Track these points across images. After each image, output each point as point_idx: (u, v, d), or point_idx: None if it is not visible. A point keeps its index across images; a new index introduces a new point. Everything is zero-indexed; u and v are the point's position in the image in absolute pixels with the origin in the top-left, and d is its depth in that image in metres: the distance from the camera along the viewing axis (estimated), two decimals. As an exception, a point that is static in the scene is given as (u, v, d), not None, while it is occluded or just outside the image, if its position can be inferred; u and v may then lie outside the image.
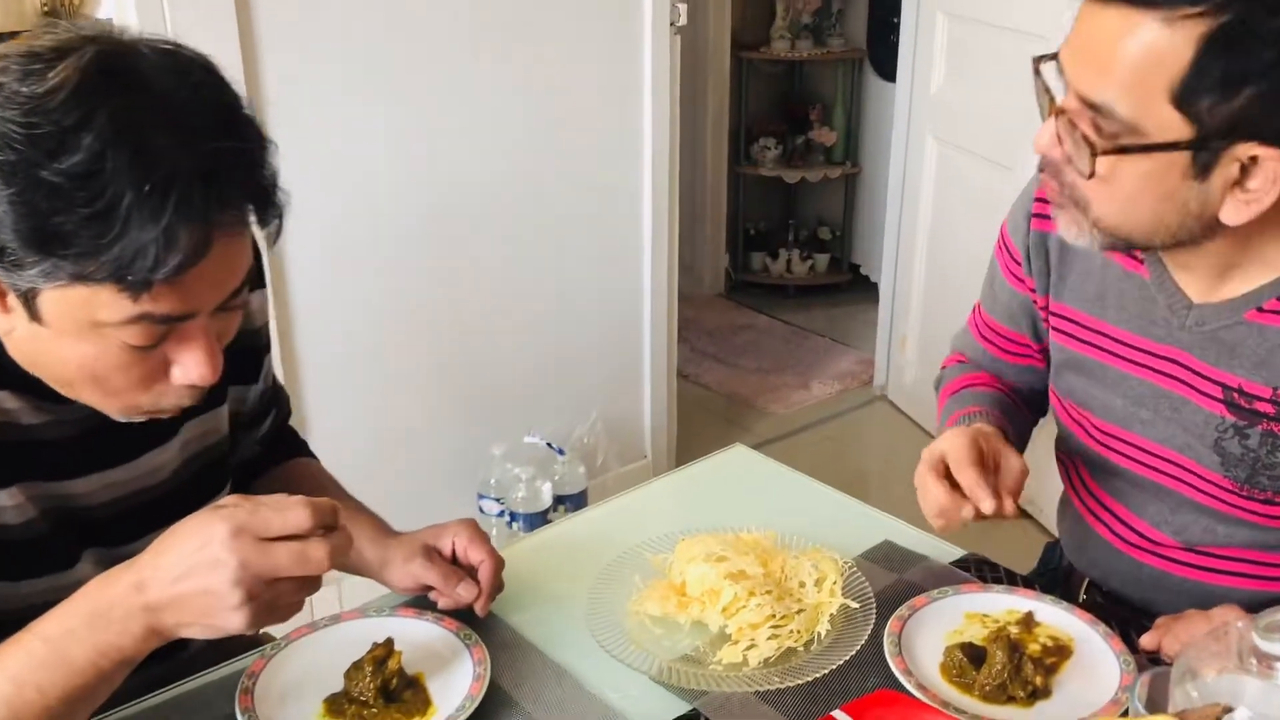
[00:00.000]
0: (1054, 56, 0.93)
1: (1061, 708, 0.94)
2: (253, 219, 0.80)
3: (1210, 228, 0.92)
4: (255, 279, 1.05)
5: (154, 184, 0.71)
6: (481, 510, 2.38)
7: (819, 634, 1.02)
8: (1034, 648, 1.00)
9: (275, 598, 0.78)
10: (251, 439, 1.15)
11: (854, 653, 0.99)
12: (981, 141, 2.79)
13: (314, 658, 1.01)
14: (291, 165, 2.24)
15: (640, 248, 2.60)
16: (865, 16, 4.00)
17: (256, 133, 0.80)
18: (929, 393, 3.50)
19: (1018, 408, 1.22)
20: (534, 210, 2.38)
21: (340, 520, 0.81)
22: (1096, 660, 0.99)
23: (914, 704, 0.93)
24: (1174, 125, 0.85)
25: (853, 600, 1.05)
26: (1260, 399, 0.98)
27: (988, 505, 0.97)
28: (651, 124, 2.50)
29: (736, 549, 1.08)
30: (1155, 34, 0.83)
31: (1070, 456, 1.20)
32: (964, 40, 2.86)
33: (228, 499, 0.80)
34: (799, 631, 1.02)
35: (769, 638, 1.00)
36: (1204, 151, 0.86)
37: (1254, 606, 1.02)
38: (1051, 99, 0.94)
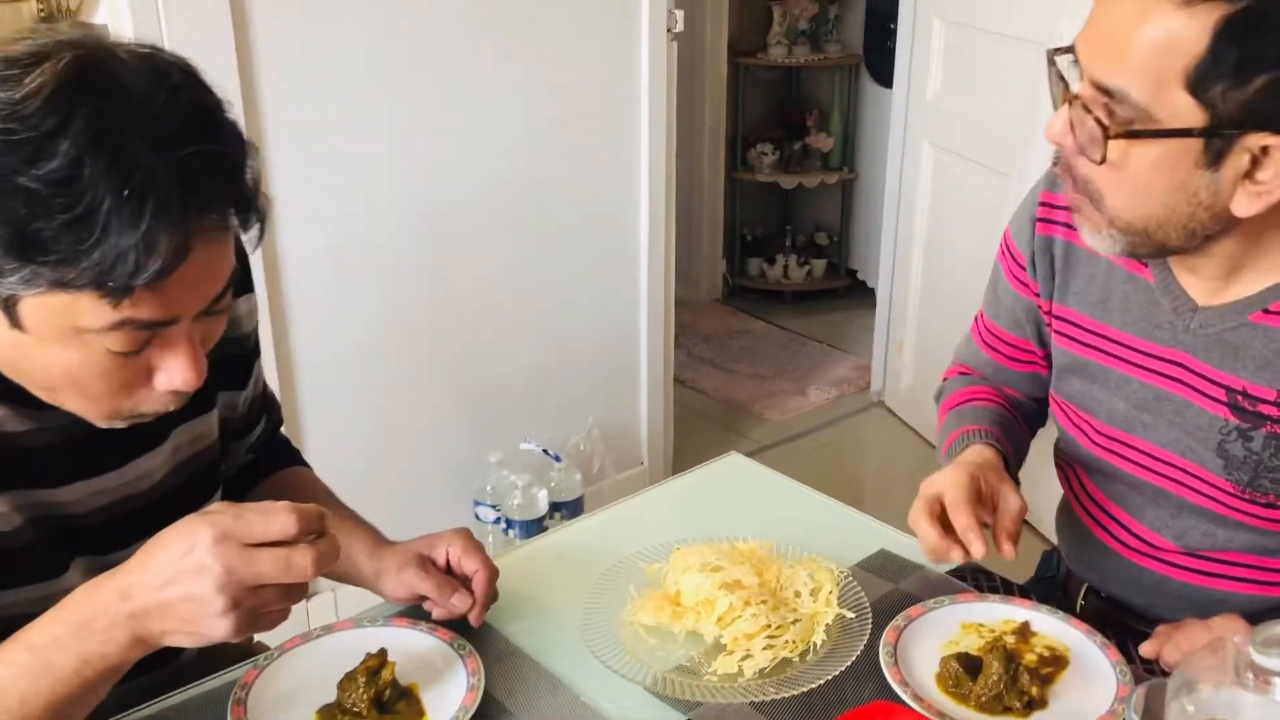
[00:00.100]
0: (1070, 49, 0.93)
1: (1058, 719, 0.93)
2: (234, 223, 0.79)
3: (1221, 221, 0.92)
4: (243, 284, 1.05)
5: (132, 189, 0.71)
6: (478, 517, 2.38)
7: (815, 644, 1.02)
8: (1030, 658, 1.00)
9: (260, 605, 0.78)
10: (243, 446, 1.15)
11: (850, 663, 0.99)
12: (978, 148, 2.79)
13: (307, 668, 1.00)
14: (283, 172, 2.25)
15: (637, 254, 2.60)
16: (862, 23, 4.00)
17: (237, 136, 0.79)
18: (926, 398, 3.49)
19: (1016, 423, 1.22)
20: (530, 217, 2.38)
21: (327, 527, 0.80)
22: (1093, 671, 0.99)
23: (910, 715, 0.93)
24: (1187, 111, 0.86)
25: (849, 610, 1.05)
26: (1265, 401, 0.98)
27: (977, 549, 0.97)
28: (648, 130, 2.50)
29: (732, 558, 1.08)
30: (1172, 19, 0.84)
31: (1070, 462, 1.20)
32: (960, 47, 2.86)
33: (214, 505, 0.80)
34: (794, 642, 1.01)
35: (764, 648, 1.00)
36: (1216, 139, 0.86)
37: (1254, 611, 1.03)
38: (1065, 87, 0.94)
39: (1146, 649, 1.01)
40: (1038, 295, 1.15)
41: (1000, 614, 1.06)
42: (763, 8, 4.06)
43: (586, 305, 2.55)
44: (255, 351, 1.11)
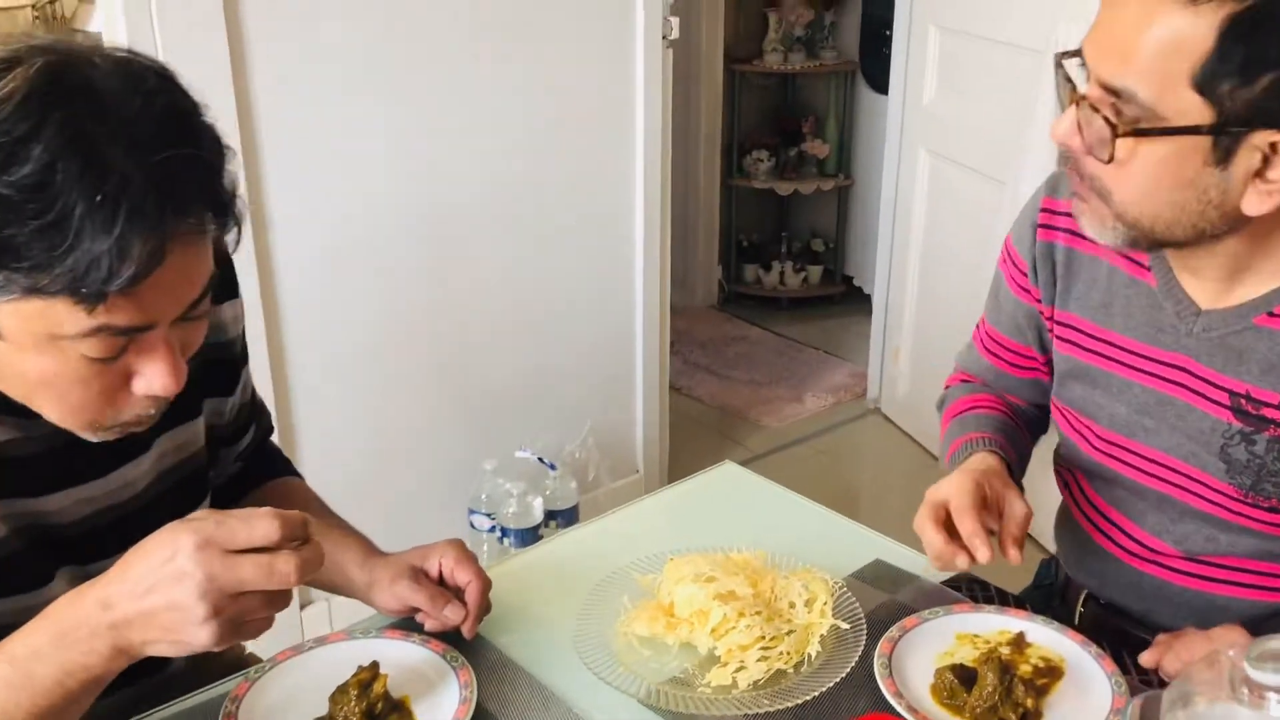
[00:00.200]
0: (1077, 52, 0.94)
1: (1053, 730, 0.93)
2: (212, 227, 0.79)
3: (1231, 220, 0.92)
4: (227, 290, 1.05)
5: (105, 194, 0.70)
6: (473, 526, 2.37)
7: (809, 655, 1.01)
8: (1025, 669, 0.99)
9: (243, 613, 0.77)
10: (231, 454, 1.14)
11: (844, 675, 0.98)
12: (974, 154, 2.79)
13: (299, 681, 1.00)
14: (278, 177, 2.25)
15: (632, 261, 2.60)
16: (857, 29, 4.00)
17: (214, 139, 0.79)
18: (922, 405, 3.49)
19: (1019, 430, 1.22)
20: (526, 224, 2.38)
21: (312, 534, 0.79)
22: (1087, 682, 0.98)
23: (904, 727, 0.92)
24: (1194, 109, 0.86)
25: (843, 621, 1.04)
26: (1269, 405, 0.98)
27: (983, 554, 0.97)
28: (644, 137, 2.50)
29: (725, 569, 1.07)
30: (1178, 19, 0.85)
31: (1071, 467, 1.20)
32: (956, 53, 2.86)
33: (196, 513, 0.79)
34: (789, 653, 1.01)
35: (758, 659, 1.00)
36: (1224, 137, 0.87)
37: (1255, 616, 1.03)
38: (1073, 88, 0.94)
39: (1146, 658, 1.00)
40: (1039, 301, 1.16)
41: (995, 625, 1.06)
42: (758, 14, 4.07)
43: (582, 312, 2.55)
44: (243, 358, 1.10)
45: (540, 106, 2.32)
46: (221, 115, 2.06)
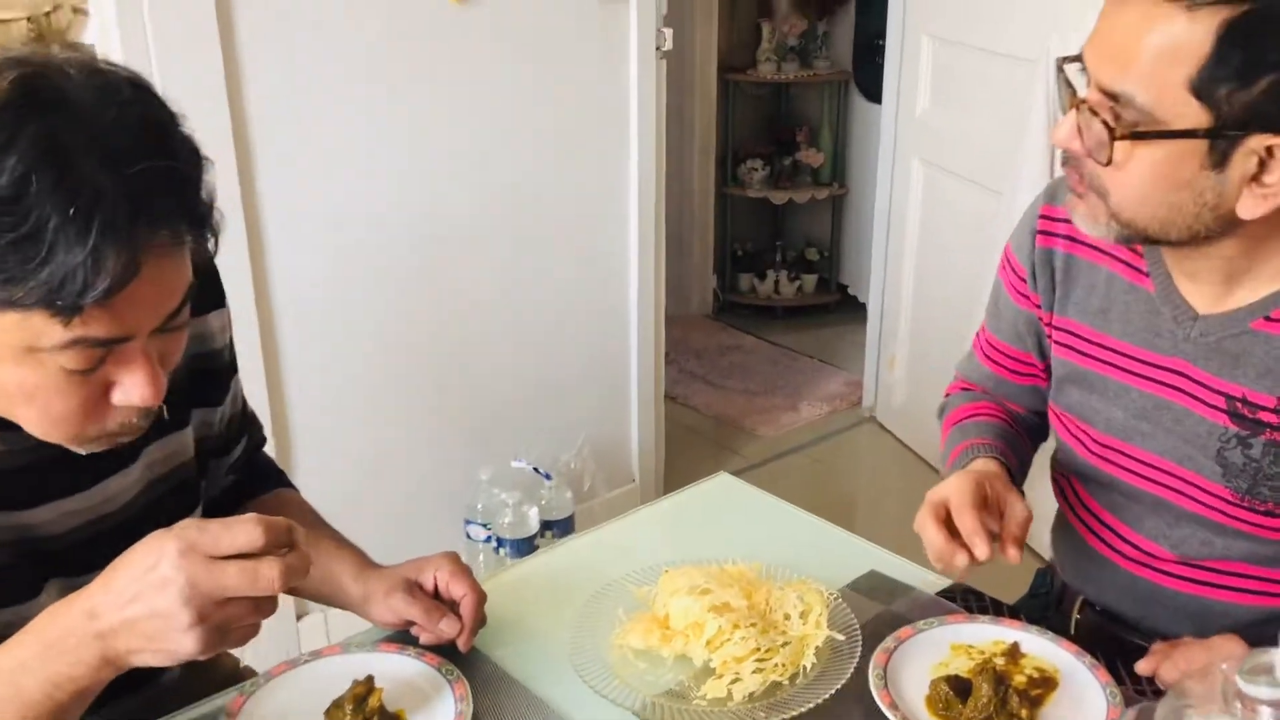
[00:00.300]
0: (1077, 57, 0.95)
1: (1048, 741, 0.93)
2: (189, 238, 0.78)
3: (1226, 224, 0.93)
4: (213, 299, 1.04)
5: (79, 207, 0.70)
6: (468, 536, 2.37)
7: (804, 667, 1.01)
8: (1020, 679, 0.99)
9: (229, 619, 0.76)
10: (223, 466, 1.14)
11: (840, 686, 0.98)
12: (967, 163, 2.80)
13: (294, 694, 0.99)
14: (273, 192, 2.25)
15: (627, 270, 2.61)
16: (850, 39, 4.02)
17: (190, 151, 0.78)
18: (918, 414, 3.49)
19: (1020, 437, 1.22)
20: (521, 233, 2.38)
21: (298, 541, 0.79)
22: (1082, 692, 0.98)
23: (900, 739, 0.92)
24: (1192, 113, 0.88)
25: (838, 632, 1.04)
26: (1264, 409, 0.99)
27: (982, 551, 0.96)
28: (638, 147, 2.51)
29: (720, 581, 1.07)
30: (1176, 25, 0.86)
31: (1067, 473, 1.20)
32: (949, 63, 2.87)
33: (181, 521, 0.79)
34: (784, 665, 1.01)
35: (754, 671, 1.00)
36: (1221, 140, 0.88)
37: (1250, 621, 1.03)
38: (1073, 93, 0.96)
39: (1143, 666, 1.01)
40: (1038, 307, 1.17)
41: (990, 635, 1.06)
42: (752, 25, 4.08)
43: (577, 322, 2.55)
44: (231, 368, 1.10)
45: (535, 117, 2.32)
46: (216, 127, 2.08)
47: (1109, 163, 0.92)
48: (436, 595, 1.08)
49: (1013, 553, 0.99)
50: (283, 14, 1.94)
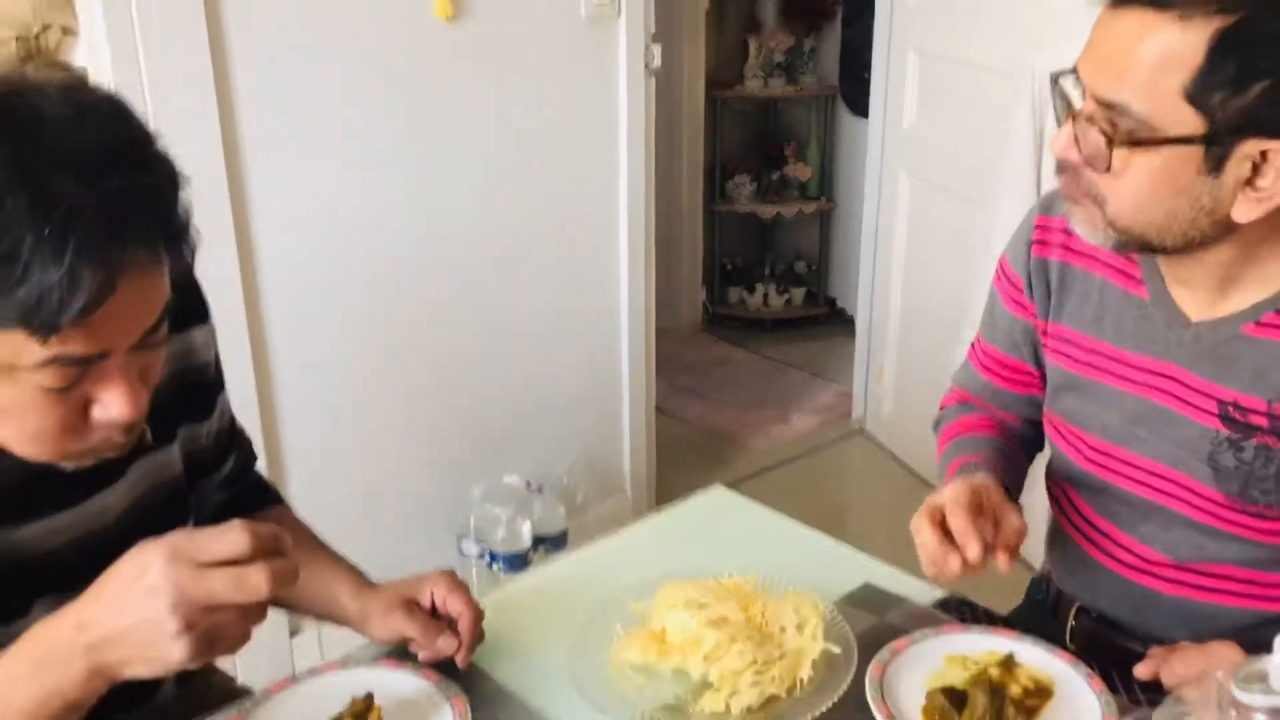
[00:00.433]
0: (1072, 70, 0.97)
1: (1044, 750, 0.94)
2: (165, 255, 0.78)
3: (1221, 228, 0.95)
4: (197, 314, 1.04)
5: (54, 226, 0.70)
6: (462, 552, 2.37)
7: (801, 680, 1.02)
8: (1015, 690, 1.00)
9: (216, 627, 0.76)
10: (213, 483, 1.13)
11: (837, 698, 0.99)
12: (954, 176, 2.82)
13: (293, 712, 0.99)
14: (263, 208, 2.25)
15: (618, 285, 2.61)
16: (837, 54, 4.05)
17: (166, 168, 0.78)
18: (908, 425, 3.49)
19: (1015, 453, 1.24)
20: (511, 249, 2.39)
21: (287, 548, 0.78)
22: (1077, 701, 0.99)
23: (897, 750, 0.93)
24: (1187, 120, 0.89)
25: (834, 644, 1.05)
26: (1256, 412, 1.01)
27: (973, 552, 0.97)
28: (627, 163, 2.52)
29: (717, 595, 1.08)
30: (1170, 34, 0.88)
31: (1062, 480, 1.22)
32: (935, 78, 2.90)
33: (171, 533, 0.78)
34: (781, 678, 1.01)
35: (751, 684, 1.00)
36: (1216, 146, 0.90)
37: (1244, 625, 1.04)
38: (1069, 104, 0.98)
39: (1142, 671, 1.02)
40: (1034, 316, 1.18)
41: (984, 646, 1.06)
42: (739, 41, 4.11)
43: (568, 337, 2.56)
44: (217, 383, 1.10)
45: (526, 135, 2.33)
46: (207, 145, 2.08)
47: (1107, 170, 0.93)
48: (434, 612, 1.08)
49: (1003, 559, 1.00)
50: (274, 32, 1.95)
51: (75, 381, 0.78)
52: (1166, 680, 0.99)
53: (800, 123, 4.23)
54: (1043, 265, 1.15)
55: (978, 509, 1.01)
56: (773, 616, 1.07)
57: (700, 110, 4.03)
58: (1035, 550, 1.33)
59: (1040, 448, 1.29)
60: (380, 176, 2.15)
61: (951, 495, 1.01)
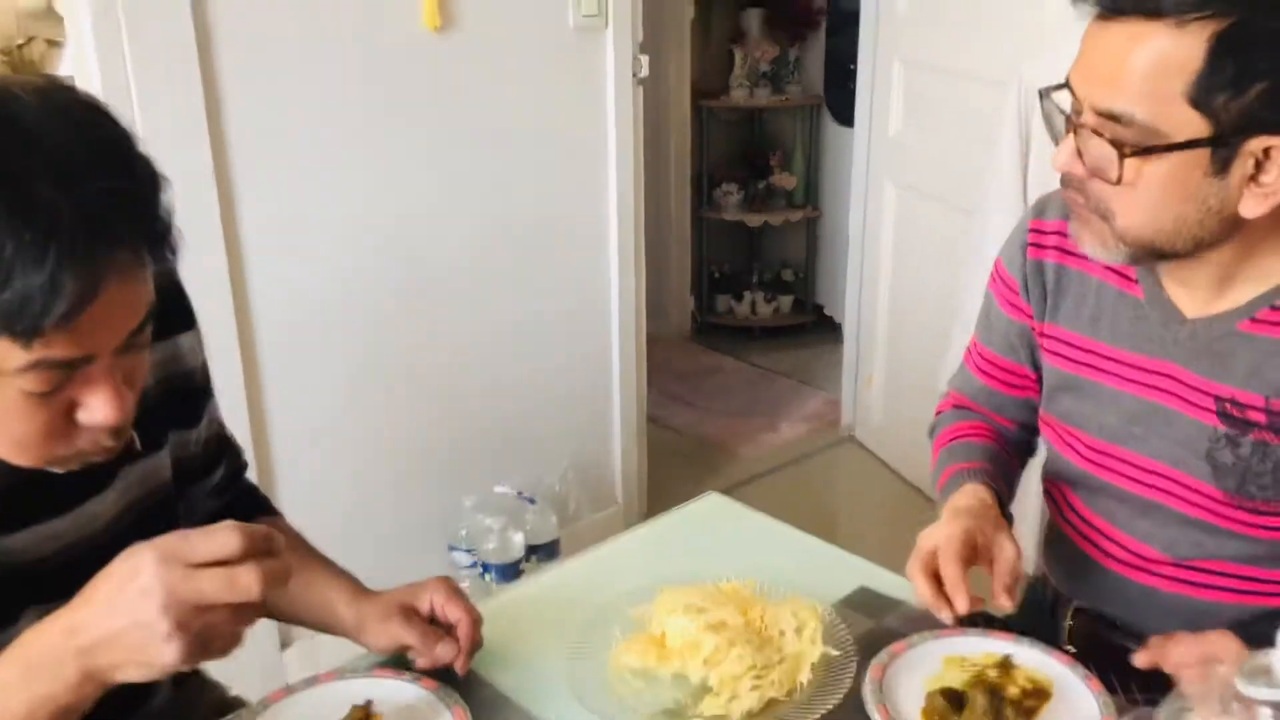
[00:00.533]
0: (1063, 85, 0.97)
1: (1043, 751, 0.94)
2: (148, 258, 0.78)
3: (1229, 226, 0.96)
4: (183, 320, 1.04)
5: (34, 230, 0.70)
6: (453, 562, 2.36)
7: (801, 683, 1.02)
8: (1013, 691, 1.00)
9: (208, 628, 0.75)
10: (203, 490, 1.13)
11: (836, 702, 0.99)
12: (939, 185, 2.84)
13: (291, 722, 0.99)
14: (255, 223, 2.24)
15: (608, 295, 2.62)
16: (822, 64, 4.07)
17: (148, 171, 0.78)
18: (897, 432, 3.50)
19: (1008, 459, 1.24)
20: (501, 260, 2.39)
21: (279, 548, 0.78)
22: (1076, 702, 0.99)
23: (898, 752, 0.93)
24: (1192, 124, 0.90)
25: (833, 648, 1.05)
26: (1253, 408, 1.02)
27: (960, 605, 0.98)
28: (616, 173, 2.53)
29: (716, 599, 1.08)
30: (1166, 40, 0.89)
31: (1059, 481, 1.22)
32: (920, 87, 2.92)
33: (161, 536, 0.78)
34: (781, 681, 1.01)
35: (751, 688, 1.00)
36: (1222, 147, 0.91)
37: (1242, 621, 1.04)
38: (1067, 119, 0.98)
39: (1141, 660, 1.02)
40: (1030, 317, 1.19)
41: (982, 647, 1.07)
42: (724, 51, 4.13)
43: (558, 346, 2.56)
44: (205, 389, 1.09)
45: (515, 145, 2.34)
46: (196, 156, 2.07)
47: (1119, 181, 0.94)
48: (432, 619, 1.08)
49: (1004, 601, 1.01)
50: (263, 41, 1.95)
51: (59, 386, 0.77)
52: (1165, 667, 0.99)
53: (786, 132, 4.25)
54: (1038, 267, 1.16)
55: (971, 552, 1.02)
56: (772, 621, 1.07)
57: (687, 120, 4.05)
58: (1029, 553, 1.34)
59: (1033, 453, 1.30)
60: (369, 187, 2.15)
61: (945, 543, 1.02)
